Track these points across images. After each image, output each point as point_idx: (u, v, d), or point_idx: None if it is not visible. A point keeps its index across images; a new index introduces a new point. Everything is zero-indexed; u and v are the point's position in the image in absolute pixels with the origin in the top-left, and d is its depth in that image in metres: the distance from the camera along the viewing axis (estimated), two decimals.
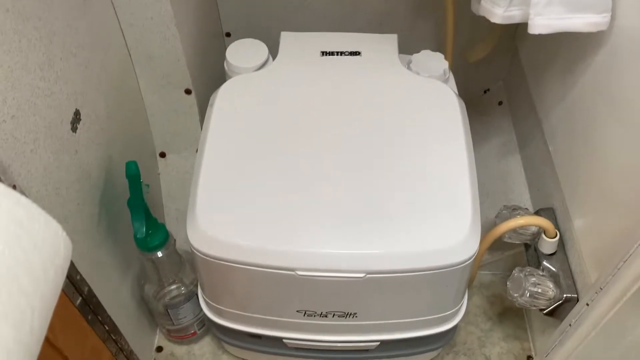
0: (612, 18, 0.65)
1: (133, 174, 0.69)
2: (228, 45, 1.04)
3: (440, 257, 0.64)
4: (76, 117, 0.62)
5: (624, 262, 0.52)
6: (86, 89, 0.65)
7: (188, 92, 0.84)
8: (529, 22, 0.65)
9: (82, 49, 0.64)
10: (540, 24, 0.64)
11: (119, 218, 0.74)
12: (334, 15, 0.98)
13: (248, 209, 0.66)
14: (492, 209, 0.99)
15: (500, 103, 1.08)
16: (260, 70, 0.82)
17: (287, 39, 0.86)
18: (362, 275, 0.63)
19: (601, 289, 0.56)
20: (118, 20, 0.74)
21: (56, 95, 0.57)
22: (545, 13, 0.63)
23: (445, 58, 0.86)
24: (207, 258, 0.65)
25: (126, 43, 0.77)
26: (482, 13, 0.70)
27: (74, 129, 0.62)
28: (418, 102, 0.78)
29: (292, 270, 0.63)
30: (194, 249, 0.65)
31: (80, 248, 0.64)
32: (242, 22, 1.01)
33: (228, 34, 1.03)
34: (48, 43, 0.56)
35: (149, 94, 0.84)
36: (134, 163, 0.69)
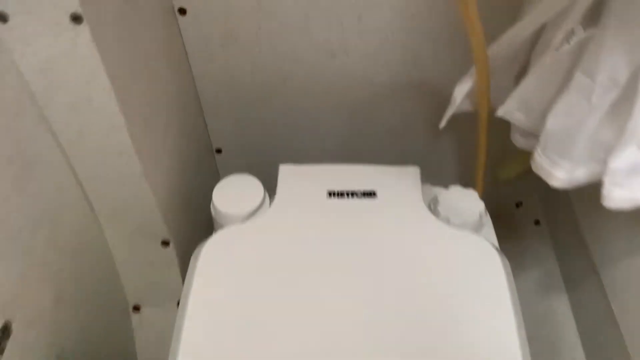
0: None
1: None
2: (219, 161, 0.90)
3: None
4: (2, 334, 0.46)
5: None
6: (24, 284, 0.50)
7: (166, 243, 0.69)
8: (604, 193, 0.49)
9: (19, 231, 0.49)
10: (620, 197, 0.49)
11: None
12: (341, 129, 0.84)
13: None
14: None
15: (537, 222, 0.92)
16: (255, 219, 0.66)
17: (286, 174, 0.71)
18: None
19: None
20: (75, 175, 0.59)
21: None
22: (627, 184, 0.48)
23: (475, 186, 0.72)
24: None
25: (86, 196, 0.62)
26: (536, 169, 0.55)
27: None
28: (451, 265, 0.62)
29: None
30: None
31: None
32: (234, 136, 0.86)
33: (219, 150, 0.88)
34: None
35: (118, 247, 0.69)
36: None
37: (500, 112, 0.62)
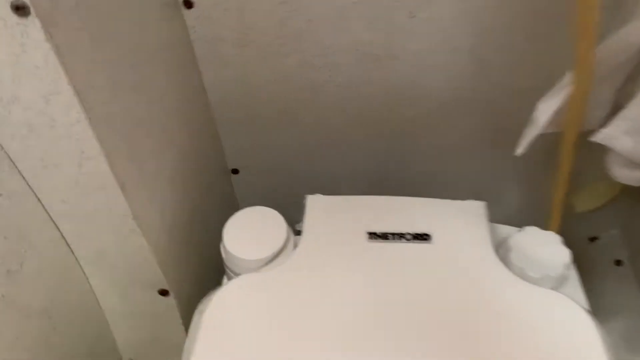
0: None
1: None
2: (235, 184, 0.77)
3: None
4: None
5: None
6: None
7: (164, 293, 0.55)
8: None
9: None
10: None
11: None
12: (383, 152, 0.69)
13: None
14: None
15: (618, 262, 0.76)
16: (275, 266, 0.53)
17: (316, 207, 0.58)
18: None
19: None
20: (45, 209, 0.46)
21: None
22: None
23: (548, 223, 0.57)
24: None
25: (63, 236, 0.49)
26: None
27: None
28: (531, 333, 0.47)
29: None
30: None
31: None
32: (253, 154, 0.73)
33: (235, 171, 0.75)
34: None
35: (106, 296, 0.56)
36: None
37: (601, 136, 0.47)
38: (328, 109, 0.64)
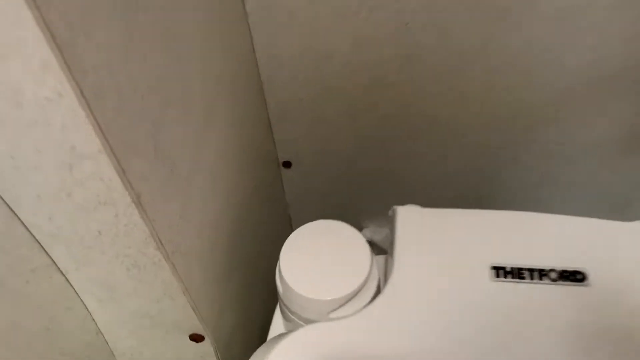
0: None
1: None
2: (286, 181, 0.61)
3: None
4: None
5: None
6: None
7: (197, 338, 0.40)
8: None
9: None
10: None
11: None
12: (490, 149, 0.52)
13: None
14: None
15: None
16: (354, 308, 0.37)
17: (410, 224, 0.41)
18: None
19: None
20: (28, 230, 0.31)
21: None
22: None
23: None
24: None
25: (54, 262, 0.33)
26: None
27: None
28: None
29: None
30: None
31: None
32: (311, 145, 0.56)
33: (287, 164, 0.58)
34: None
35: (117, 339, 0.40)
36: None
37: None
38: (423, 85, 0.47)
